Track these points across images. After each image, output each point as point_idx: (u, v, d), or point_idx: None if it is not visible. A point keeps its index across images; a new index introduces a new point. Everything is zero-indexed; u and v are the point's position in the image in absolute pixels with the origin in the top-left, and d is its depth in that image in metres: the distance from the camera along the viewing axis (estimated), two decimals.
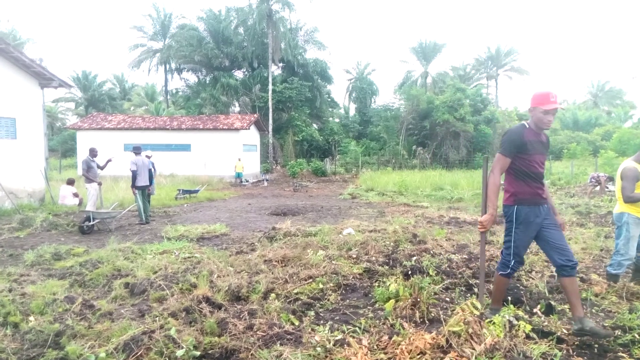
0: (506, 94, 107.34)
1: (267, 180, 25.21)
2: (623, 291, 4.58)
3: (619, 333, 3.56)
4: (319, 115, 40.32)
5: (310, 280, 5.02)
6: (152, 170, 11.34)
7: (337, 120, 44.57)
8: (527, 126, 3.55)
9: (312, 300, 4.44)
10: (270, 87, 33.35)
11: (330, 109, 43.71)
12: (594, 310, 4.22)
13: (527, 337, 3.33)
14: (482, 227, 3.60)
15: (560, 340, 3.38)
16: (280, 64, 39.14)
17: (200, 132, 26.50)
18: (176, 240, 7.68)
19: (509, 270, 3.66)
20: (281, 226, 8.19)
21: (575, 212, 11.27)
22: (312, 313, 4.11)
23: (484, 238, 3.85)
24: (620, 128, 35.01)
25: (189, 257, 6.23)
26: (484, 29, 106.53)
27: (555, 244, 3.50)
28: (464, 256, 6.15)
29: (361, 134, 40.48)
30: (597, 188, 15.72)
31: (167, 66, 42.16)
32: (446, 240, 7.44)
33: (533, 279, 5.06)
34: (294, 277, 5.07)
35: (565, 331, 3.56)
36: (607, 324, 3.80)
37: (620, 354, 3.22)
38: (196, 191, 16.52)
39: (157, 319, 3.80)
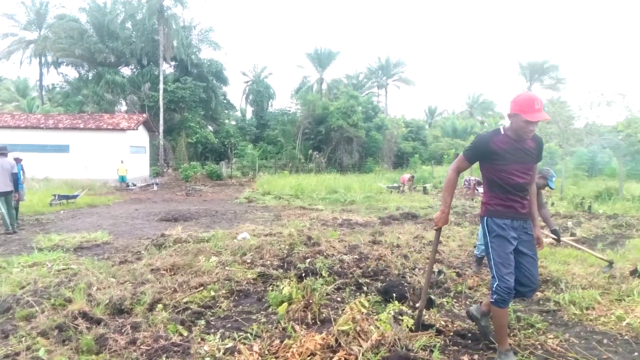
0: (395, 102, 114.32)
1: (157, 184, 23.92)
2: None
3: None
4: (214, 117, 39.36)
5: (202, 288, 4.84)
6: (20, 173, 10.13)
7: (233, 122, 43.88)
8: (502, 132, 3.13)
9: (202, 309, 4.28)
10: (161, 86, 31.78)
11: (226, 111, 42.92)
12: (468, 302, 4.62)
13: (411, 330, 3.53)
14: (435, 225, 3.34)
15: (439, 332, 3.64)
16: (173, 63, 37.54)
17: (81, 132, 24.36)
18: (49, 251, 6.92)
19: (495, 297, 3.08)
20: (171, 232, 7.81)
21: (453, 212, 12.31)
22: (203, 322, 3.96)
23: (437, 236, 3.49)
24: None
25: (63, 269, 5.66)
26: (375, 39, 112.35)
27: (530, 269, 3.18)
28: (355, 256, 6.37)
29: (258, 137, 40.31)
30: (470, 191, 17.43)
31: (43, 59, 38.24)
32: (339, 241, 7.65)
33: (416, 275, 5.40)
34: (184, 286, 4.85)
35: (443, 323, 3.85)
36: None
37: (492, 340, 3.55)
38: (75, 196, 15.10)
39: (24, 339, 3.39)
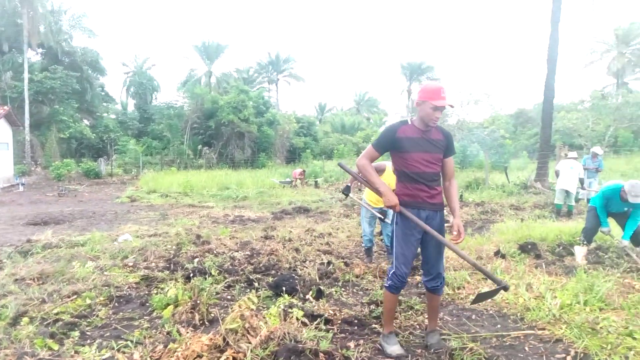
0: (286, 98, 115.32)
1: (22, 184, 21.33)
2: (377, 270, 5.36)
3: (373, 307, 4.14)
4: (90, 111, 36.17)
5: (75, 296, 4.41)
6: None
7: (113, 116, 40.66)
8: (409, 122, 3.21)
9: (76, 319, 3.89)
10: (26, 75, 28.34)
11: (104, 104, 39.69)
12: (355, 290, 4.81)
13: (302, 323, 3.57)
14: (392, 208, 3.17)
15: (327, 321, 3.73)
16: (40, 50, 33.70)
17: None
18: None
19: (389, 282, 3.24)
20: (39, 237, 7.03)
21: (342, 205, 12.77)
22: (77, 333, 3.60)
23: (408, 216, 3.17)
24: (377, 132, 41.28)
25: None
26: (265, 35, 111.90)
27: (431, 259, 3.26)
28: (247, 253, 6.30)
29: (142, 132, 37.88)
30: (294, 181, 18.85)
31: None
32: (230, 238, 7.51)
33: (307, 267, 5.49)
34: (54, 296, 4.38)
35: (331, 312, 3.96)
36: (365, 300, 4.38)
37: (373, 325, 3.73)
38: None
39: None
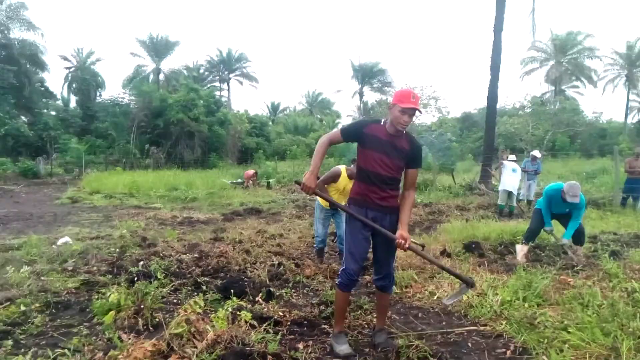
0: (238, 97, 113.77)
1: None
2: (328, 271, 5.38)
3: (323, 308, 4.15)
4: (28, 107, 34.09)
5: (9, 303, 4.13)
6: None
7: (53, 113, 38.59)
8: (382, 123, 3.24)
9: (9, 327, 3.65)
10: None
11: (44, 100, 37.57)
12: (305, 291, 4.80)
13: (251, 326, 3.52)
14: (303, 189, 3.20)
15: (277, 323, 3.70)
16: None
17: None
18: None
19: (339, 280, 3.29)
20: None
21: (295, 206, 12.76)
22: (10, 342, 3.37)
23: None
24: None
25: None
26: (216, 33, 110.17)
27: (380, 258, 3.34)
28: (195, 255, 6.15)
29: (85, 130, 36.14)
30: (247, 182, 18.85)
31: None
32: (178, 240, 7.31)
33: (257, 269, 5.43)
34: None
35: (281, 314, 3.93)
36: (315, 301, 4.38)
37: (323, 326, 3.74)
38: None
39: None
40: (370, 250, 3.40)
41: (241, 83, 55.53)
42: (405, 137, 3.22)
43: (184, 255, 6.08)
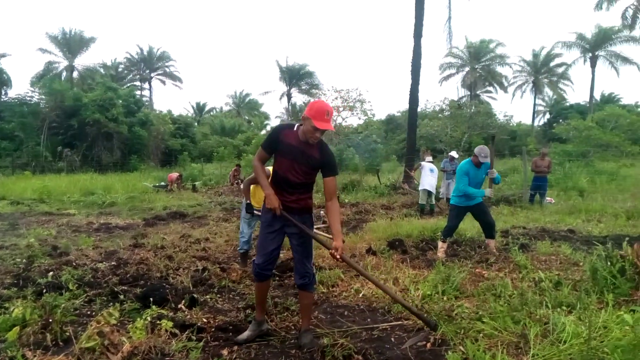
0: (161, 97, 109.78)
1: None
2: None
3: (249, 312, 4.06)
4: None
5: None
6: None
7: None
8: (295, 128, 3.26)
9: None
10: None
11: None
12: (231, 295, 4.69)
13: (171, 333, 3.36)
14: (273, 210, 3.29)
15: (200, 330, 3.57)
16: None
17: None
18: None
19: (256, 270, 3.46)
20: None
21: (222, 209, 12.46)
22: None
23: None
24: (258, 135, 41.16)
25: None
26: (137, 29, 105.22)
27: (296, 258, 3.45)
28: (113, 263, 5.82)
29: None
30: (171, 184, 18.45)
31: None
32: (93, 248, 6.88)
33: (180, 275, 5.22)
34: None
35: (205, 320, 3.80)
36: (241, 305, 4.28)
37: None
38: None
39: None
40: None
41: (164, 83, 53.49)
42: (316, 145, 3.23)
43: (100, 264, 5.73)
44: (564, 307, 3.78)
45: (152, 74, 52.17)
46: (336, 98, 30.87)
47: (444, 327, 3.48)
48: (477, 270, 5.26)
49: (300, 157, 3.23)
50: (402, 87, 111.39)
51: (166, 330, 3.32)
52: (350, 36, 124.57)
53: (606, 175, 15.35)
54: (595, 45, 40.36)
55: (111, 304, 4.21)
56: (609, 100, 45.23)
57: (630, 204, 10.59)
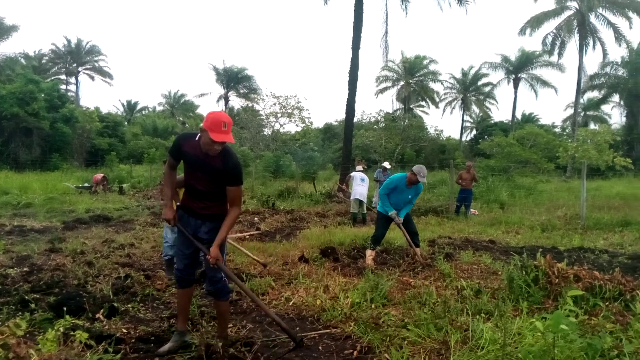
0: (88, 93, 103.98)
1: None
2: None
3: (174, 321, 3.90)
4: None
5: None
6: None
7: None
8: (197, 138, 3.14)
9: None
10: None
11: None
12: (155, 304, 4.48)
13: (86, 345, 3.15)
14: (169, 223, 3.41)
15: (119, 341, 3.38)
16: None
17: None
18: None
19: (177, 275, 3.43)
20: None
21: (150, 213, 11.96)
22: None
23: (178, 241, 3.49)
24: None
25: None
26: (65, 20, 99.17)
27: (205, 265, 3.39)
28: (25, 269, 5.39)
29: None
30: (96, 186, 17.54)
31: None
32: (4, 252, 6.35)
33: (100, 283, 4.92)
34: None
35: (125, 331, 3.60)
36: (165, 315, 4.11)
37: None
38: None
39: None
40: None
41: (92, 78, 50.60)
42: (219, 155, 3.12)
43: (11, 270, 5.30)
44: (483, 315, 3.98)
45: (80, 68, 49.22)
46: (275, 104, 30.99)
47: (371, 335, 3.53)
48: (404, 278, 5.41)
49: (202, 167, 3.17)
50: (341, 97, 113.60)
51: (80, 342, 3.11)
52: (290, 44, 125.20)
53: (524, 190, 16.45)
54: (518, 67, 43.30)
55: (20, 313, 3.88)
56: (529, 119, 48.65)
57: (545, 217, 11.41)
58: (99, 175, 18.49)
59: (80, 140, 31.74)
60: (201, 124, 3.05)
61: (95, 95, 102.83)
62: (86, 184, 18.54)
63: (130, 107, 58.69)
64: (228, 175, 3.17)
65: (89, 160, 31.70)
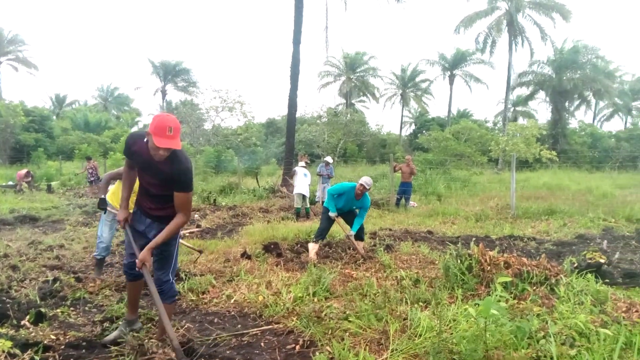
0: (12, 86, 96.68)
1: None
2: (114, 285, 4.87)
3: (107, 325, 3.73)
4: None
5: None
6: None
7: None
8: (145, 140, 3.00)
9: None
10: None
11: None
12: (87, 308, 4.25)
13: (10, 354, 2.94)
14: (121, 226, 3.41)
15: (47, 348, 3.17)
16: None
17: None
18: None
19: (125, 269, 3.47)
20: None
21: (82, 212, 11.34)
22: None
23: (126, 235, 3.41)
24: (127, 131, 38.26)
25: None
26: None
27: (154, 266, 3.29)
28: None
29: None
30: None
31: None
32: None
33: (25, 287, 4.60)
34: None
35: (53, 337, 3.39)
36: (97, 319, 3.90)
37: (108, 347, 3.34)
38: None
39: None
40: None
41: (16, 69, 47.00)
42: (167, 159, 2.99)
43: None
44: (421, 303, 4.12)
45: (2, 59, 45.61)
46: (215, 97, 30.24)
47: (313, 329, 3.55)
48: (346, 270, 5.49)
49: (150, 170, 3.09)
50: (283, 91, 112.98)
51: (3, 351, 2.90)
52: (230, 38, 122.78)
53: (460, 182, 17.17)
54: (454, 64, 45.10)
55: None
56: (464, 115, 50.76)
57: (478, 207, 11.99)
58: (23, 172, 17.23)
59: (3, 136, 29.58)
60: (148, 129, 2.91)
61: (19, 89, 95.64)
62: (10, 183, 17.29)
63: (59, 100, 55.24)
64: (176, 181, 3.04)
65: (13, 157, 29.59)
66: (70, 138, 35.31)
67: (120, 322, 3.64)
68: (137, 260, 3.07)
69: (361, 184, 6.40)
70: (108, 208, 4.88)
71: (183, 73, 47.49)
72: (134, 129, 44.46)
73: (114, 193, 5.19)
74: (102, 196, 4.56)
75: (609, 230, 8.89)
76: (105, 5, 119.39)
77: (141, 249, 3.17)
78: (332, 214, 6.55)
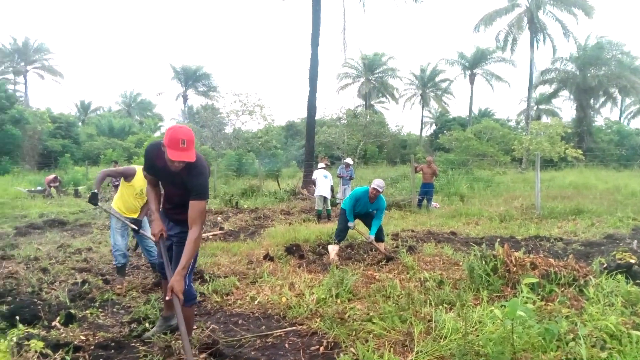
0: (38, 94, 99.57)
1: None
2: (141, 287, 4.96)
3: (135, 326, 3.80)
4: None
5: None
6: None
7: None
8: (162, 148, 2.98)
9: None
10: None
11: None
12: (115, 309, 4.34)
13: (42, 354, 3.02)
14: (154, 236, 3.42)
15: (77, 349, 3.25)
16: None
17: None
18: None
19: (158, 269, 3.72)
20: None
21: (108, 216, 11.55)
22: None
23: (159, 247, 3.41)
24: (151, 137, 38.94)
25: None
26: (12, 19, 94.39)
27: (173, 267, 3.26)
28: None
29: None
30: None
31: None
32: None
33: (55, 289, 4.73)
34: None
35: (83, 338, 3.47)
36: (125, 320, 3.98)
37: (134, 344, 3.41)
38: None
39: None
40: None
41: (42, 77, 48.41)
42: (185, 167, 2.99)
43: None
44: (446, 305, 4.07)
45: (28, 67, 47.01)
46: (235, 101, 30.52)
47: (337, 330, 3.55)
48: (369, 272, 5.47)
49: (168, 177, 3.15)
50: (302, 94, 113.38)
51: (36, 351, 2.97)
52: (249, 42, 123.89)
53: (483, 182, 16.92)
54: (474, 63, 44.49)
55: None
56: (485, 114, 50.02)
57: (502, 208, 11.79)
58: (50, 177, 17.70)
59: (31, 142, 30.42)
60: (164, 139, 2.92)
61: (46, 96, 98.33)
62: (39, 188, 17.76)
63: (84, 107, 56.54)
64: (192, 187, 3.03)
65: (41, 162, 30.41)
66: (95, 144, 36.10)
67: (158, 318, 3.79)
68: (168, 291, 2.95)
69: (374, 188, 6.40)
70: (114, 214, 5.05)
71: (203, 78, 48.05)
72: (157, 134, 45.24)
73: (119, 198, 5.29)
74: (95, 191, 4.74)
75: (638, 230, 8.63)
76: (127, 12, 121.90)
77: (169, 245, 3.37)
78: (350, 224, 6.60)
